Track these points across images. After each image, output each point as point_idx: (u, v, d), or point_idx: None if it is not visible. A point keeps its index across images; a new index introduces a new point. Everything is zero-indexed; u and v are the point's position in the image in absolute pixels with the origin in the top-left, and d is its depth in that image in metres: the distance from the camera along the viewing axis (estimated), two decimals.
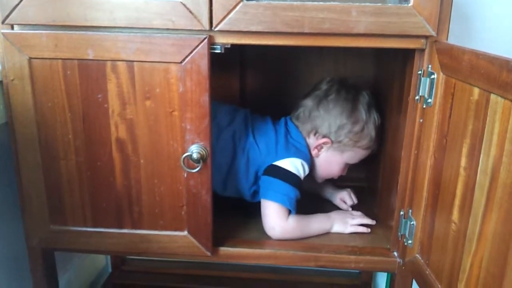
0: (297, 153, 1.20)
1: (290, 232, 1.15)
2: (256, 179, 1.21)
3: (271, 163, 1.18)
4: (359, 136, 1.20)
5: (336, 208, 1.32)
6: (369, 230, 1.19)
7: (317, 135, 1.22)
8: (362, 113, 1.20)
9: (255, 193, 1.23)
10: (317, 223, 1.18)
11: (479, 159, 0.75)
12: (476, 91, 0.77)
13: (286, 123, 1.26)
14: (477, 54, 0.76)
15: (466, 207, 0.80)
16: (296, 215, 1.16)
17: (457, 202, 0.83)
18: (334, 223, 1.19)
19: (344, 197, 1.34)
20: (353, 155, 1.23)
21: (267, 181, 1.17)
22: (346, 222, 1.20)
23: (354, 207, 1.31)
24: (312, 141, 1.23)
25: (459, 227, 0.83)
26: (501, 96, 0.69)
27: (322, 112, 1.20)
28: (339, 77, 1.25)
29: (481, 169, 0.75)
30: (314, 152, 1.23)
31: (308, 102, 1.23)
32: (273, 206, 1.14)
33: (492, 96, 0.72)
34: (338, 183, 1.41)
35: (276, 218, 1.14)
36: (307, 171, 1.20)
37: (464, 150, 0.81)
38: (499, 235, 0.70)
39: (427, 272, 0.96)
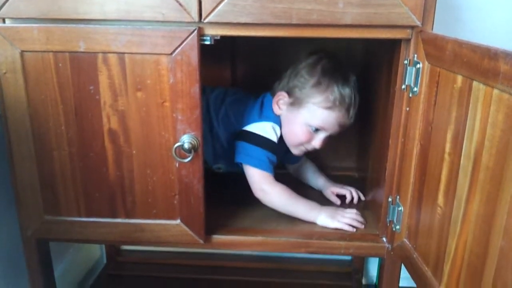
0: (267, 118, 1.23)
1: (276, 197, 1.18)
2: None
3: (243, 129, 1.23)
4: (313, 91, 1.17)
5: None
6: (354, 230, 1.16)
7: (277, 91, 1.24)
8: (319, 70, 1.18)
9: None
10: (304, 205, 1.20)
11: (463, 144, 0.78)
12: (459, 78, 0.79)
13: (264, 96, 1.28)
14: (460, 43, 0.78)
15: (450, 191, 0.82)
16: (286, 187, 1.19)
17: (442, 186, 0.86)
18: (321, 214, 1.18)
19: (340, 191, 1.34)
20: (311, 113, 1.18)
21: (239, 146, 1.22)
22: (334, 217, 1.18)
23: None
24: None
25: (444, 210, 0.85)
26: (483, 83, 0.71)
27: (289, 72, 1.23)
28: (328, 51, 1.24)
29: (465, 154, 0.77)
30: (275, 109, 1.23)
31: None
32: (254, 171, 1.19)
33: (474, 83, 0.74)
34: (329, 172, 1.43)
35: (261, 182, 1.18)
36: (279, 134, 1.23)
37: (449, 136, 0.83)
38: (482, 216, 0.73)
39: (415, 256, 0.98)
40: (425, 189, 0.94)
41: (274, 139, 1.21)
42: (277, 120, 1.23)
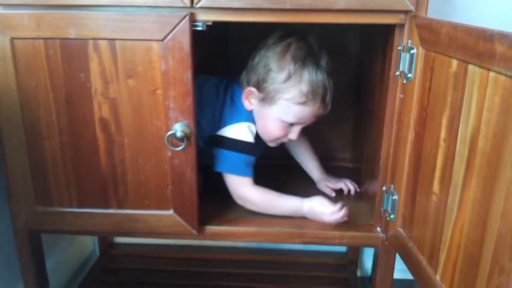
0: (240, 116, 1.19)
1: (257, 201, 1.16)
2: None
3: (216, 133, 1.19)
4: (284, 86, 1.11)
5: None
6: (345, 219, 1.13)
7: (246, 85, 1.18)
8: (288, 60, 1.11)
9: None
10: (287, 208, 1.16)
11: (458, 130, 0.77)
12: (454, 62, 0.78)
13: (232, 89, 1.23)
14: (455, 26, 0.77)
15: (446, 178, 0.81)
16: (264, 188, 1.16)
17: (437, 173, 0.85)
18: (306, 215, 1.16)
19: (335, 186, 1.32)
20: (284, 110, 1.13)
21: (217, 153, 1.18)
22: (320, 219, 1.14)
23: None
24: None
25: (439, 197, 0.84)
26: (479, 66, 0.70)
27: (256, 60, 1.16)
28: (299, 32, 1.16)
29: (460, 139, 0.76)
30: (246, 105, 1.18)
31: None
32: (232, 178, 1.17)
33: (470, 67, 0.73)
34: (325, 163, 1.42)
35: (239, 188, 1.16)
36: (255, 131, 1.19)
37: (444, 122, 0.82)
38: (478, 201, 0.72)
39: (410, 245, 0.97)
40: (420, 177, 0.93)
41: (251, 139, 1.18)
42: (251, 116, 1.19)
